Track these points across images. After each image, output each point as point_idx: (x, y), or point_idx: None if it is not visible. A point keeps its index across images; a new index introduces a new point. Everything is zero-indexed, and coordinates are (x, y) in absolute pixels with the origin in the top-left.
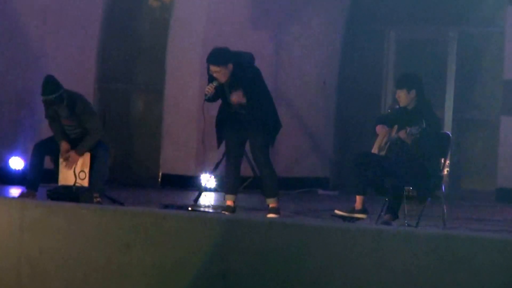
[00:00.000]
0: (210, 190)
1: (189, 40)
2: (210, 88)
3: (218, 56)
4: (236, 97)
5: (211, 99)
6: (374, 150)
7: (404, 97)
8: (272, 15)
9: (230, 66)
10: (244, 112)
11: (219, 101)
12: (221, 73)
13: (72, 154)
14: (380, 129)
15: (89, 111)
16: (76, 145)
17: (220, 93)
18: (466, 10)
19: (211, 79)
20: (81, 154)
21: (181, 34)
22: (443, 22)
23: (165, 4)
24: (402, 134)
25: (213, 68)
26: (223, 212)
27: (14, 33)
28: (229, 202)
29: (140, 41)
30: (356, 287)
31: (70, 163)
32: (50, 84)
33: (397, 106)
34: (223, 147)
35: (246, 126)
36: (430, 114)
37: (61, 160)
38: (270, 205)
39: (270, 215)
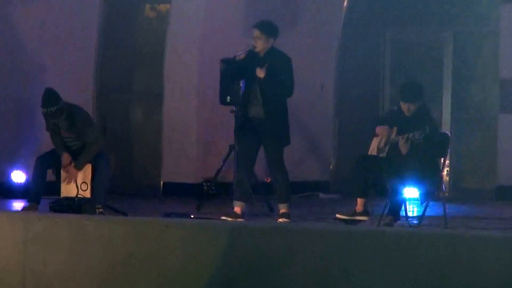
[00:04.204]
0: (212, 197)
1: (186, 48)
2: (242, 52)
3: (266, 24)
4: (261, 72)
5: (235, 71)
6: (372, 151)
7: (413, 109)
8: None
9: (271, 40)
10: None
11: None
12: (261, 41)
13: (71, 169)
14: (380, 130)
15: (87, 123)
16: (77, 157)
17: (247, 72)
18: (461, 10)
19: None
20: (80, 168)
21: (178, 42)
22: (438, 22)
23: (162, 13)
24: (400, 142)
25: (256, 32)
26: (227, 218)
27: (13, 46)
28: (237, 209)
29: (138, 50)
30: None
31: (70, 178)
32: (50, 97)
33: (395, 108)
34: (221, 153)
35: (260, 131)
36: (430, 118)
37: (63, 172)
38: (281, 211)
39: (281, 220)
